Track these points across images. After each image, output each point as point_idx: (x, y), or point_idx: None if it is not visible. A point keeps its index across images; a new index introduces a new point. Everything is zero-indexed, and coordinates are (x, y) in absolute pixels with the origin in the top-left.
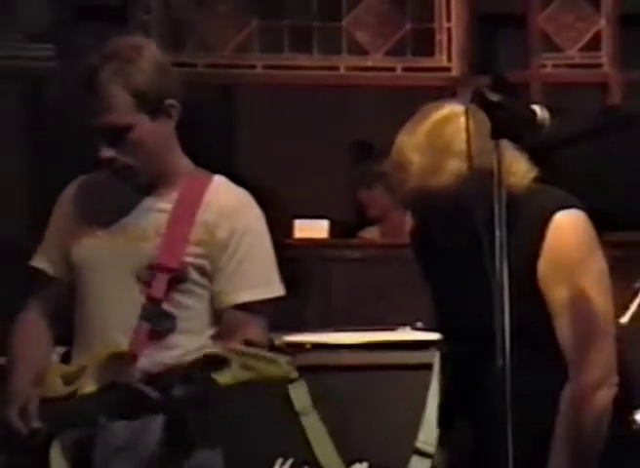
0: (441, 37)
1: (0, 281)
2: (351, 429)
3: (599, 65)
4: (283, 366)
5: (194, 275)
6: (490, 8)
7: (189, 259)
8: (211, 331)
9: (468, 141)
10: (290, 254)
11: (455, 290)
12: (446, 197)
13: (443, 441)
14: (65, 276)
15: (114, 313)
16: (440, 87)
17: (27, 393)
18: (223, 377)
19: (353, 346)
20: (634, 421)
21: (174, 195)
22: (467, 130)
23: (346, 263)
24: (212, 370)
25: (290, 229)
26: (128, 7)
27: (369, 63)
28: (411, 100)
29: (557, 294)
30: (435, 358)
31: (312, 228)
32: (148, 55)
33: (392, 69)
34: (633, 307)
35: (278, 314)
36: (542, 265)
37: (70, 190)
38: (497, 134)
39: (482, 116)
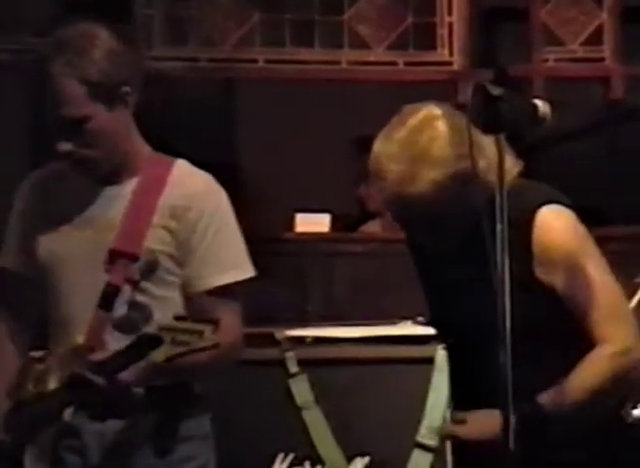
0: (443, 31)
1: None
2: (353, 423)
3: (601, 59)
4: (208, 335)
5: (164, 261)
6: (492, 2)
7: (156, 246)
8: None
9: (470, 142)
10: (291, 249)
11: (451, 291)
12: (423, 204)
13: None
14: (32, 274)
15: (86, 308)
16: (442, 81)
17: None
18: (158, 355)
19: (354, 340)
20: (628, 414)
21: (135, 181)
22: (469, 128)
23: (348, 257)
24: (149, 350)
25: (291, 223)
26: (129, 1)
27: (371, 58)
28: (412, 95)
29: (560, 281)
30: (438, 353)
31: (314, 222)
32: (101, 43)
33: (394, 63)
34: (634, 302)
35: (280, 308)
36: (537, 260)
37: (26, 186)
38: (497, 128)
39: (459, 121)
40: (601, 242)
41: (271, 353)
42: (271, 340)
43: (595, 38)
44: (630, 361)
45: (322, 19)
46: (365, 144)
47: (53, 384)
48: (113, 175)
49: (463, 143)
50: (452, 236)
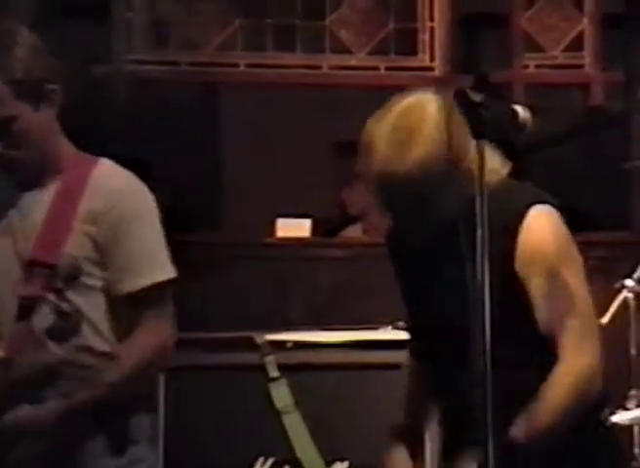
0: (424, 37)
1: None
2: (332, 428)
3: (581, 66)
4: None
5: (86, 267)
6: (473, 8)
7: (77, 252)
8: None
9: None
10: (272, 254)
11: (429, 290)
12: (410, 185)
13: None
14: None
15: (9, 320)
16: (423, 86)
17: None
18: None
19: (335, 345)
20: (607, 420)
21: (57, 185)
22: (448, 124)
23: (329, 262)
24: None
25: (273, 228)
26: (111, 4)
27: (352, 62)
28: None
29: (537, 285)
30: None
31: (294, 227)
32: (22, 41)
33: (375, 68)
34: (613, 308)
35: (261, 312)
36: (519, 260)
37: None
38: (478, 134)
39: (450, 106)
40: (584, 247)
41: (251, 357)
42: (252, 345)
43: (575, 44)
44: (595, 377)
45: (304, 24)
46: (346, 149)
47: None
48: (37, 178)
49: (452, 128)
50: (434, 227)
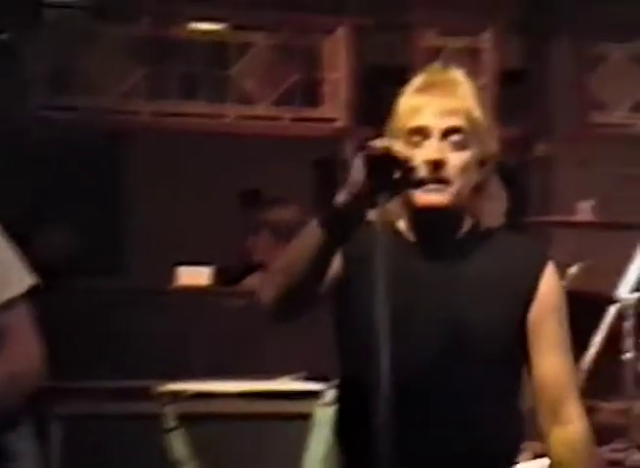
0: (328, 88)
1: None
2: None
3: None
4: None
5: None
6: (376, 60)
7: None
8: None
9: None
10: (173, 301)
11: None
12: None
13: None
14: None
15: None
16: (326, 137)
17: None
18: None
19: (233, 395)
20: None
21: None
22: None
23: (229, 311)
24: None
25: (173, 276)
26: (16, 45)
27: (256, 112)
28: (298, 149)
29: (554, 335)
30: (316, 409)
31: (194, 275)
32: None
33: (279, 119)
34: None
35: (161, 361)
36: (536, 309)
37: None
38: (382, 186)
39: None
40: None
41: (150, 407)
42: (150, 394)
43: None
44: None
45: (207, 73)
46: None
47: None
48: None
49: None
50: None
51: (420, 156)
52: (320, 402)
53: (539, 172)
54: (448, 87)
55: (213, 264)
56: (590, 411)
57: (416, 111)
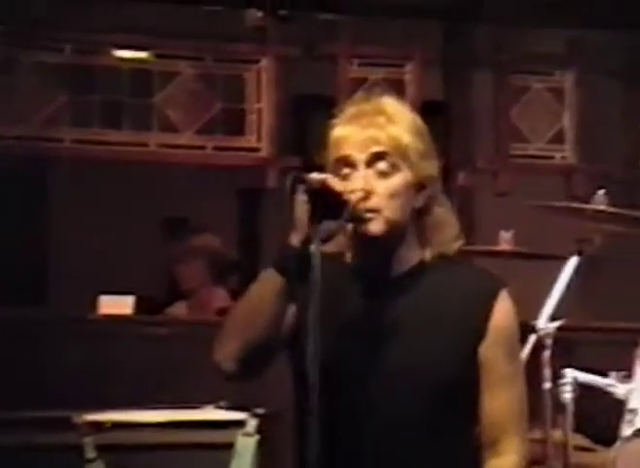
0: (251, 117)
1: None
2: None
3: None
4: None
5: None
6: (301, 90)
7: None
8: None
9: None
10: (95, 330)
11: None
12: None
13: None
14: None
15: None
16: (250, 166)
17: None
18: None
19: (155, 425)
20: None
21: None
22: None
23: (152, 340)
24: None
25: (95, 305)
26: None
27: (179, 141)
28: (221, 179)
29: (503, 369)
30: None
31: (117, 304)
32: None
33: (202, 148)
34: None
35: (82, 391)
36: (487, 342)
37: None
38: (320, 217)
39: None
40: None
41: (69, 438)
42: (70, 425)
43: None
44: None
45: (131, 102)
46: (174, 226)
47: None
48: None
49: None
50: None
51: (349, 187)
52: (242, 431)
53: (460, 201)
54: (373, 116)
55: (136, 293)
56: None
57: (341, 142)
